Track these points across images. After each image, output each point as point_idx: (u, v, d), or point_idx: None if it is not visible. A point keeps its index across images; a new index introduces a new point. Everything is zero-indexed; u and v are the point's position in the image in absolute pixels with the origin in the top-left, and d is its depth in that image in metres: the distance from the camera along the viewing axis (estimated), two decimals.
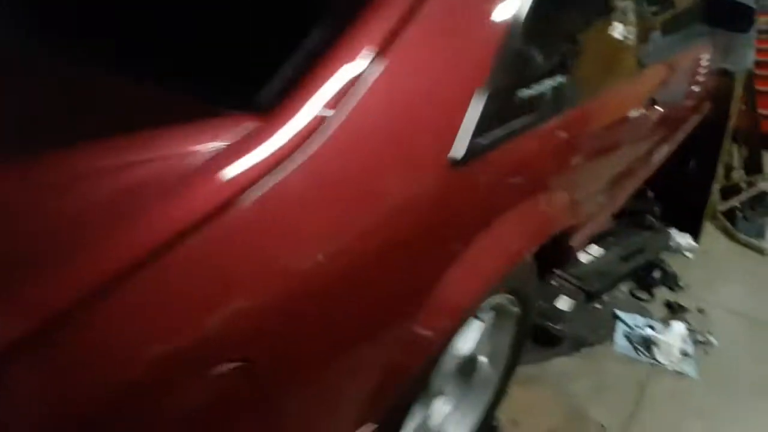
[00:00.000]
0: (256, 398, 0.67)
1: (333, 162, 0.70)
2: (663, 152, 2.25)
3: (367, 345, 0.82)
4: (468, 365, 1.36)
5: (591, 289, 2.49)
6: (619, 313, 2.44)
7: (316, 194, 0.69)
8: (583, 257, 2.73)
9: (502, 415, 1.92)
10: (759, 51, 4.03)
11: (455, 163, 0.85)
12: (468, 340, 1.25)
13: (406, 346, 0.86)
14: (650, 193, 3.25)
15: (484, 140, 0.91)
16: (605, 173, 1.49)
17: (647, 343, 2.29)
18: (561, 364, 2.20)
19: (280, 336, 0.67)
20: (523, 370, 2.15)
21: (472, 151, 0.88)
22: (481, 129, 0.90)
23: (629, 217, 3.08)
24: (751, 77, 3.32)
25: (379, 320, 0.82)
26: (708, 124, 2.95)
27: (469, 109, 0.88)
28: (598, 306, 2.49)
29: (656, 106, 1.71)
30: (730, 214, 3.26)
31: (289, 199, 0.66)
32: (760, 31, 4.07)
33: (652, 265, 2.69)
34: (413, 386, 1.01)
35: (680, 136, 2.49)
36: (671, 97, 1.93)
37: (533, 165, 1.06)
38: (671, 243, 3.00)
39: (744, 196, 3.26)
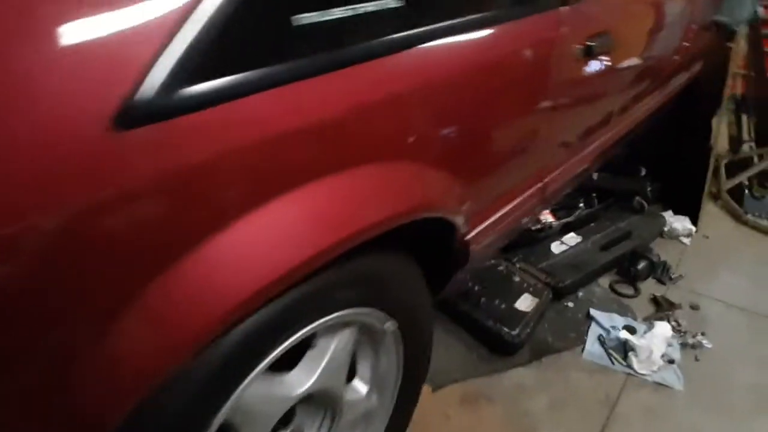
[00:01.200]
0: None
1: None
2: (626, 121, 1.85)
3: None
4: (323, 400, 1.04)
5: (560, 284, 2.13)
6: (593, 312, 2.08)
7: None
8: (555, 247, 2.38)
9: None
10: None
11: (130, 121, 0.53)
12: (302, 373, 0.93)
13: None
14: (642, 171, 2.87)
15: (209, 87, 0.58)
16: (504, 143, 1.13)
17: (624, 349, 1.92)
18: (517, 376, 1.86)
19: None
20: (469, 386, 1.83)
21: (173, 105, 0.56)
22: (203, 68, 0.58)
23: (615, 200, 2.70)
24: (758, 37, 2.87)
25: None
26: (701, 88, 2.54)
27: (178, 35, 0.56)
28: (568, 304, 2.13)
29: (600, 57, 1.35)
30: (737, 193, 2.84)
31: None
32: None
33: (638, 255, 2.31)
34: None
35: (653, 100, 2.09)
36: (628, 48, 1.56)
37: (336, 125, 0.72)
38: (665, 228, 2.61)
39: (753, 171, 2.83)
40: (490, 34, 0.99)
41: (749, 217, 2.70)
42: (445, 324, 1.98)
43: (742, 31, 2.54)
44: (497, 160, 1.11)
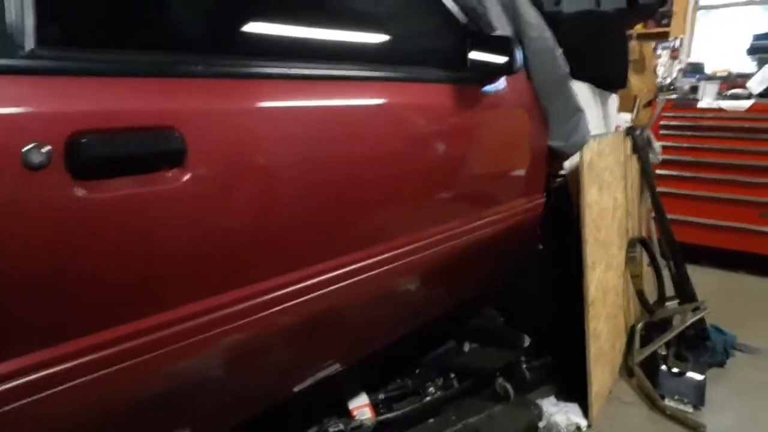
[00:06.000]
0: None
1: None
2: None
3: None
4: None
5: None
6: None
7: None
8: None
9: None
10: (672, 148, 3.28)
11: None
12: None
13: None
14: (526, 341, 2.18)
15: None
16: None
17: None
18: None
19: None
20: None
21: None
22: None
23: (475, 382, 2.00)
24: (650, 181, 2.39)
25: None
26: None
27: None
28: None
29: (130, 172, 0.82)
30: (652, 366, 2.10)
31: None
32: (673, 127, 3.25)
33: None
34: None
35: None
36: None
37: None
38: (540, 424, 1.86)
39: (668, 336, 2.12)
40: None
41: (667, 403, 1.94)
42: None
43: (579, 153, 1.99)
44: None
